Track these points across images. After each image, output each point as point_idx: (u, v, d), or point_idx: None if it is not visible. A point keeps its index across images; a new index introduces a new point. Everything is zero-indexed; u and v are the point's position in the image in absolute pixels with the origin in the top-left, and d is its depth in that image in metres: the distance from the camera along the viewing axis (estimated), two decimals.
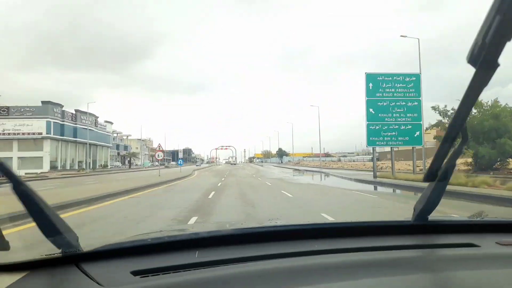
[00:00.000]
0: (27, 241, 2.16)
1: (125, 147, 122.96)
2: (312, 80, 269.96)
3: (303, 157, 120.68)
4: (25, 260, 1.09)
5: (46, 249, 1.09)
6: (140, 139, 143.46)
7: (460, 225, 1.60)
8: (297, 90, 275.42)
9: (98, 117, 77.57)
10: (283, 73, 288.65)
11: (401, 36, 25.07)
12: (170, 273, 1.03)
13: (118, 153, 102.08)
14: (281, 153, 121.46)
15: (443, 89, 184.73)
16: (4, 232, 1.06)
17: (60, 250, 1.07)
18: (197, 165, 72.15)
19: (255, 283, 0.98)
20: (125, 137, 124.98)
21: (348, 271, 1.07)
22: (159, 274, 1.02)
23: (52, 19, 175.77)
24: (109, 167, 75.76)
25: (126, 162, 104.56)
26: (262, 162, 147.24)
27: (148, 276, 1.01)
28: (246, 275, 1.02)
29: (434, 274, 1.08)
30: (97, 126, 75.66)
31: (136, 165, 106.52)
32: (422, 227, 1.41)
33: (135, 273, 1.02)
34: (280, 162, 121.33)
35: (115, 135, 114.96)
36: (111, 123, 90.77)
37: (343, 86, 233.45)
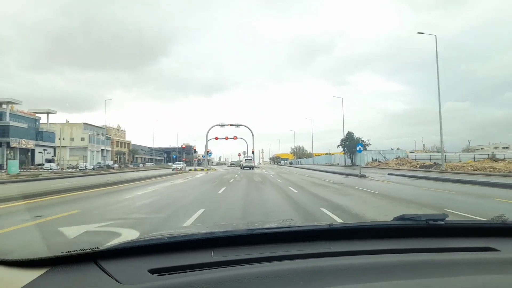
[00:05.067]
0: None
1: (38, 134, 64.68)
2: (329, 79, 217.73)
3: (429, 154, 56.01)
4: (46, 256, 1.11)
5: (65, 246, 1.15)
6: (88, 124, 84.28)
7: (478, 228, 1.54)
8: (314, 88, 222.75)
9: None
10: (299, 71, 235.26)
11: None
12: (186, 272, 1.04)
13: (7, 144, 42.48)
14: (351, 144, 56.12)
15: (467, 88, 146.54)
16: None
17: (79, 248, 1.12)
18: None
19: (270, 284, 0.98)
20: (41, 118, 66.10)
21: (364, 273, 1.05)
22: (175, 273, 1.03)
23: (66, 17, 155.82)
24: None
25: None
26: (291, 164, 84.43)
27: (165, 274, 1.02)
28: (261, 275, 1.02)
29: (451, 279, 1.05)
30: None
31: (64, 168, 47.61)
32: (438, 229, 1.37)
33: (152, 271, 1.03)
34: (350, 163, 57.02)
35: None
36: None
37: (356, 86, 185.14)
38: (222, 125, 47.14)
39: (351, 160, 57.21)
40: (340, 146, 59.52)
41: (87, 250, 1.11)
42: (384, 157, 52.39)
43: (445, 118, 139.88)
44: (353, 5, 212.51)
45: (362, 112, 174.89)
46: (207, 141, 47.54)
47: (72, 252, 1.10)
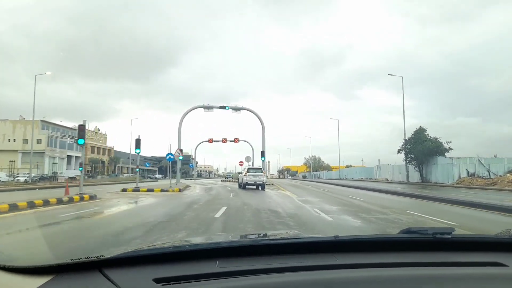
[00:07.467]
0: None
1: None
2: (335, 93, 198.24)
3: None
4: (51, 264, 1.12)
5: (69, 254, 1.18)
6: (49, 122, 64.26)
7: (485, 243, 1.50)
8: (322, 102, 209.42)
9: None
10: (307, 84, 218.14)
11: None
12: (191, 282, 1.03)
13: None
14: (424, 148, 34.90)
15: (475, 103, 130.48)
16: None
17: (85, 256, 1.13)
18: None
19: None
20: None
21: (369, 286, 1.05)
22: (180, 283, 1.02)
23: (75, 27, 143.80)
24: None
25: None
26: (305, 178, 62.53)
27: (169, 284, 1.02)
28: (266, 287, 1.02)
29: None
30: None
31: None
32: (445, 243, 1.37)
33: (157, 280, 1.03)
34: (419, 179, 35.49)
35: None
36: None
37: (363, 100, 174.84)
38: (208, 108, 26.97)
39: (420, 174, 35.71)
40: (401, 152, 37.97)
41: (92, 258, 1.11)
42: (488, 170, 30.75)
43: (455, 134, 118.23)
44: (360, 19, 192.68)
45: (369, 125, 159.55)
46: (179, 136, 27.39)
47: (77, 260, 1.10)
